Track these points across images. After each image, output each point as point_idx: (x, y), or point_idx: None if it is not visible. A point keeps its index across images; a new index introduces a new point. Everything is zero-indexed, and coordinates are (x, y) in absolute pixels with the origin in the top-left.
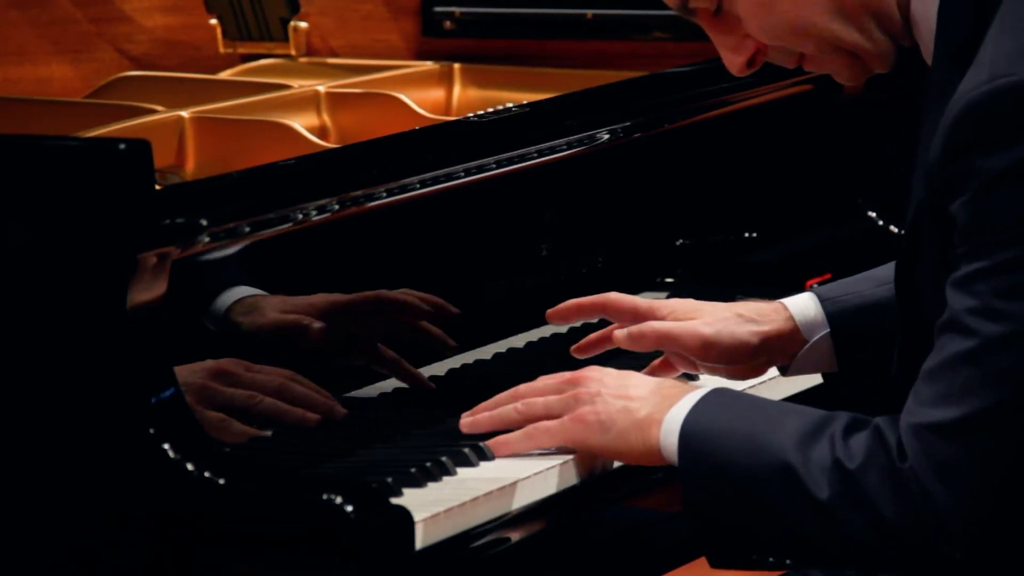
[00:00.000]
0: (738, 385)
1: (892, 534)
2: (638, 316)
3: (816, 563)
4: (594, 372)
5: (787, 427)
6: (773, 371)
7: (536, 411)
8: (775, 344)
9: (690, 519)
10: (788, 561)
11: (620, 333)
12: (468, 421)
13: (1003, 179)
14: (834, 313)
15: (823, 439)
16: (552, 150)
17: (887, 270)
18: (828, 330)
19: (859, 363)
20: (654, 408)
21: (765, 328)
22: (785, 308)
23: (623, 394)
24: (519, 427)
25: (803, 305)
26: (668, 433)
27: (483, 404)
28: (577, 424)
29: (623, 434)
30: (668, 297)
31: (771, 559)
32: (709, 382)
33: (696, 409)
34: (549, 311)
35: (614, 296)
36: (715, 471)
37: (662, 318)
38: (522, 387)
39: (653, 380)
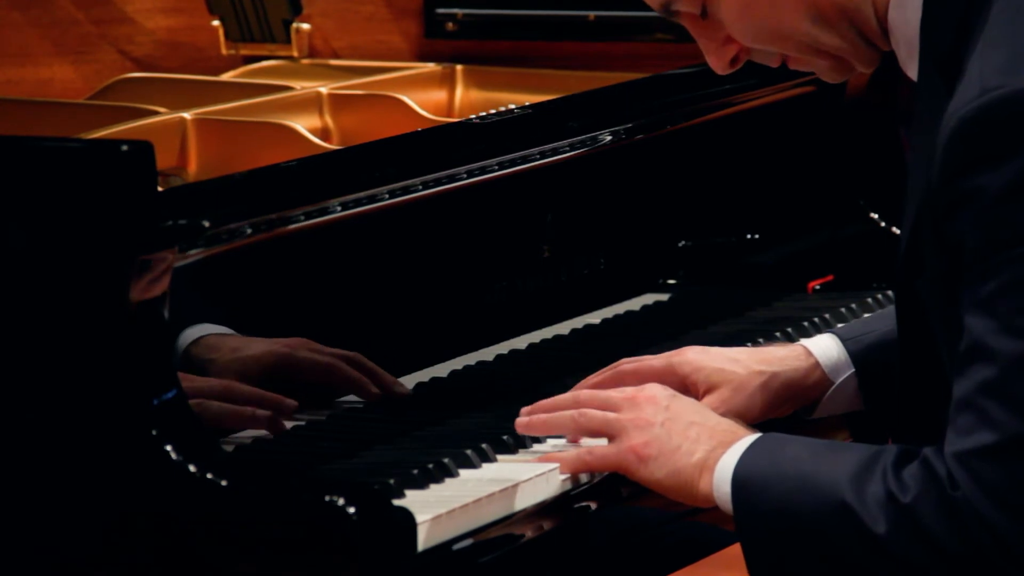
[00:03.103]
0: None
1: (953, 564)
2: (658, 378)
3: None
4: (659, 396)
5: (840, 465)
6: None
7: (593, 426)
8: (800, 391)
9: (749, 566)
10: None
11: None
12: (524, 422)
13: (1007, 195)
14: (857, 352)
15: (876, 474)
16: (554, 151)
17: None
18: (853, 370)
19: (884, 398)
20: (708, 454)
21: (789, 378)
22: (809, 353)
23: (680, 431)
24: (570, 432)
25: (825, 347)
26: (720, 482)
27: (543, 403)
28: (630, 455)
29: (674, 475)
30: (670, 299)
31: None
32: None
33: (746, 457)
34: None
35: (627, 367)
36: (770, 516)
37: (685, 375)
38: (583, 394)
39: (712, 419)
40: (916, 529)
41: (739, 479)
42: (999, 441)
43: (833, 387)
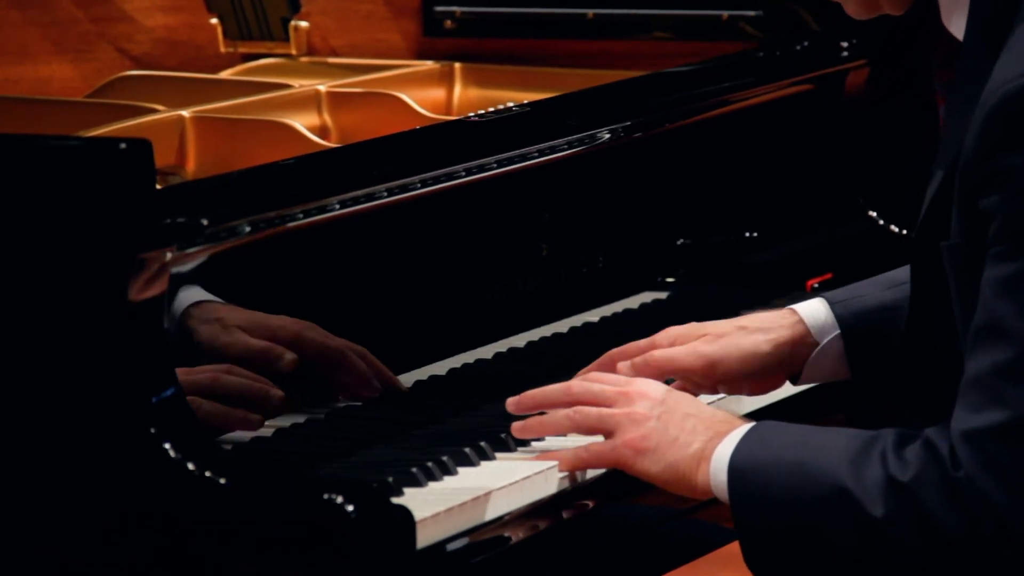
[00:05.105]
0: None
1: (952, 546)
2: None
3: None
4: (652, 391)
5: (836, 450)
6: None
7: (589, 424)
8: (786, 350)
9: (746, 555)
10: None
11: (623, 366)
12: (519, 426)
13: None
14: (844, 315)
15: (874, 457)
16: (552, 149)
17: (893, 274)
18: (838, 332)
19: (871, 366)
20: (704, 444)
21: (773, 335)
22: (794, 312)
23: (677, 423)
24: (566, 431)
25: (812, 308)
26: (717, 471)
27: (533, 393)
28: (627, 450)
29: (672, 467)
30: (668, 297)
31: None
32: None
33: (742, 445)
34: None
35: (614, 351)
36: (768, 504)
37: (665, 347)
38: (575, 387)
39: (708, 411)
40: (915, 510)
41: (735, 467)
42: (1009, 421)
43: (818, 348)
